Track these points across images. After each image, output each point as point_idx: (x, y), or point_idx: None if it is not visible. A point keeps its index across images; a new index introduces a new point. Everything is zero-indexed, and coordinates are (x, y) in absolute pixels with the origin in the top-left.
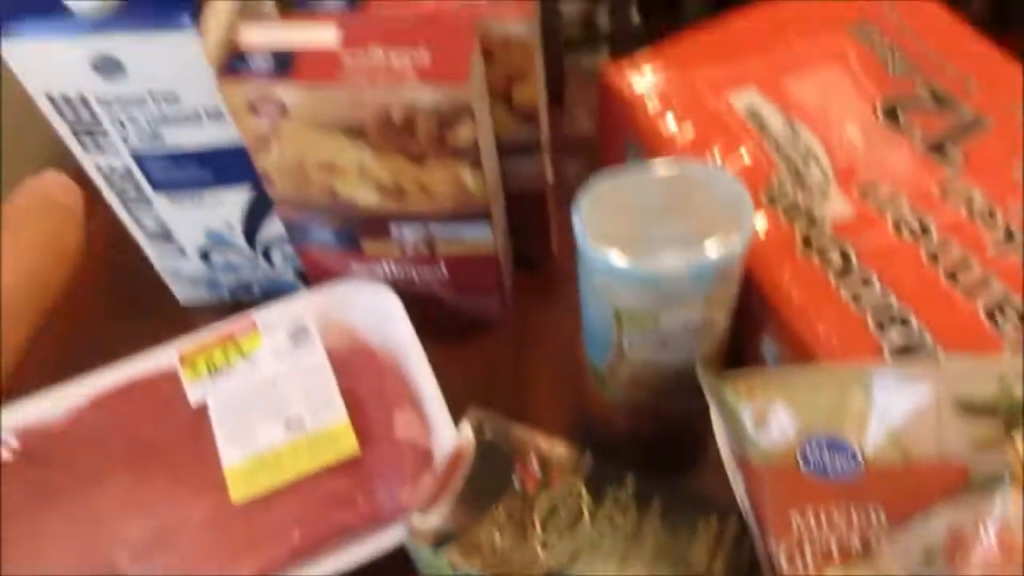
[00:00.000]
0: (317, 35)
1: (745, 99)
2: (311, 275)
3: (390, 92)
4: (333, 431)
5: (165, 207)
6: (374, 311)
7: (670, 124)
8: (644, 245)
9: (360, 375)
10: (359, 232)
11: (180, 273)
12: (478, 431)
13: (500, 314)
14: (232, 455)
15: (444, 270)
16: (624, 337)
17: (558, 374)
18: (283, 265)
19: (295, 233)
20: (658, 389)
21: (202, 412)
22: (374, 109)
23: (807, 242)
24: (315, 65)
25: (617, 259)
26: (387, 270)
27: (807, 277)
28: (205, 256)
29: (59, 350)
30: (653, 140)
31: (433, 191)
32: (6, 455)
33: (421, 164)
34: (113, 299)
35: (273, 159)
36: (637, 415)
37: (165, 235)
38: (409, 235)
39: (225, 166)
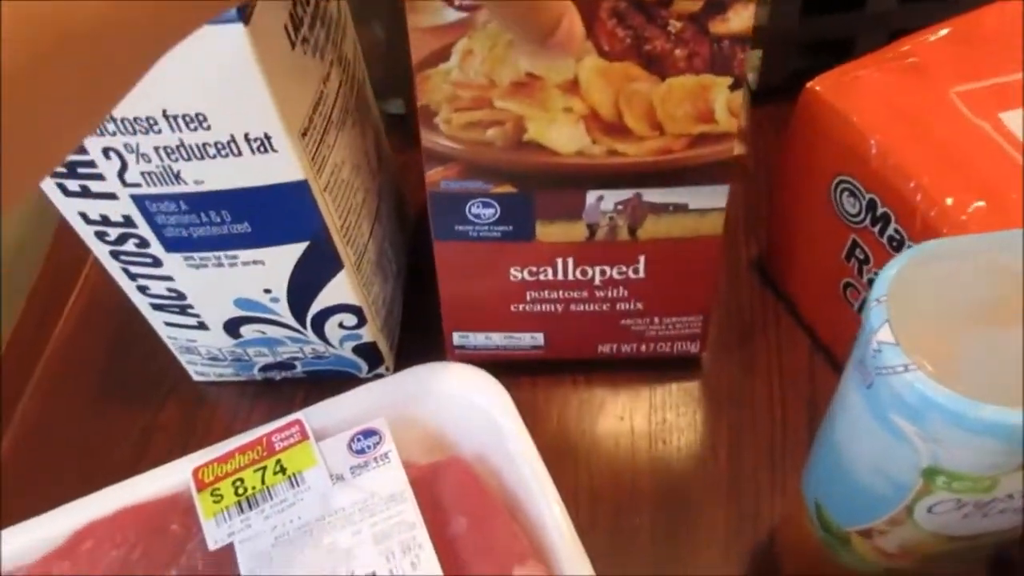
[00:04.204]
0: None
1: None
2: (446, 287)
3: None
4: None
5: (180, 270)
6: (473, 408)
7: (917, 156)
8: (959, 364)
9: (458, 506)
10: (539, 206)
11: (195, 348)
12: None
13: (699, 348)
14: None
15: (643, 266)
16: (924, 502)
17: (716, 506)
18: (338, 340)
19: (443, 216)
20: (933, 557)
21: (225, 559)
22: None
23: None
24: None
25: (992, 412)
26: (561, 269)
27: None
28: (232, 328)
29: (34, 447)
30: (888, 178)
31: (666, 123)
32: None
33: (660, 76)
34: (101, 378)
35: (451, 78)
36: None
37: (179, 304)
38: (608, 206)
39: (271, 216)
